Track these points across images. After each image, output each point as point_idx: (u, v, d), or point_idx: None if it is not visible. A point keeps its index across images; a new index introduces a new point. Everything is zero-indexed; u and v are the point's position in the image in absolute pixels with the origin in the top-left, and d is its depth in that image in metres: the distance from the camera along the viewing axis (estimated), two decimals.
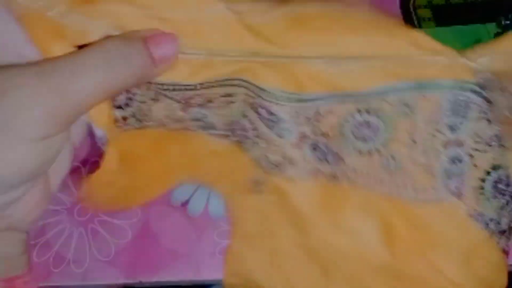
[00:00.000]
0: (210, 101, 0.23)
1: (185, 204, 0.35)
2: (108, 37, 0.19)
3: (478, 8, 0.42)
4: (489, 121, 0.23)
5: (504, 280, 0.24)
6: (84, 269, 0.33)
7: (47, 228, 0.35)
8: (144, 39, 0.19)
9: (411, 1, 0.43)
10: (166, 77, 0.21)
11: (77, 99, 0.17)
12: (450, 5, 0.42)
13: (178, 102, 0.23)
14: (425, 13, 0.42)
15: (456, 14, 0.41)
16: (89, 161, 0.37)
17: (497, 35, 0.39)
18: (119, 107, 0.22)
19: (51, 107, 0.17)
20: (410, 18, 0.42)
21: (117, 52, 0.18)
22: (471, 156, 0.23)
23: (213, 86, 0.22)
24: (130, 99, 0.22)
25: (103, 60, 0.18)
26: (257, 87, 0.22)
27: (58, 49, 0.19)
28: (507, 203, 0.24)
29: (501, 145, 0.23)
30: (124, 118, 0.23)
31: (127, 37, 0.19)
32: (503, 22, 0.39)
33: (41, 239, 0.34)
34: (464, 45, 0.38)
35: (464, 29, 0.40)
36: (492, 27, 0.40)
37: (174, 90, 0.22)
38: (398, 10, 0.43)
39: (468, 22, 0.40)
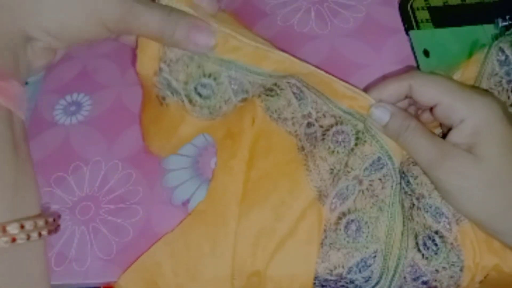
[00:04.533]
0: None
1: (186, 203, 0.35)
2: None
3: (475, 10, 0.42)
4: None
5: None
6: (85, 268, 0.33)
7: None
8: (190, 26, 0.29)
9: (409, 3, 0.43)
10: None
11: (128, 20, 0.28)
12: (448, 6, 0.43)
13: None
14: (423, 14, 0.42)
15: (453, 15, 0.42)
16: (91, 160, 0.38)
17: (495, 36, 0.40)
18: None
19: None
20: (408, 19, 0.42)
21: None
22: None
23: None
24: None
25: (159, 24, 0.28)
26: None
27: None
28: None
29: None
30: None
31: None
32: (500, 24, 0.40)
33: None
34: (462, 46, 0.39)
35: (462, 30, 0.40)
36: (489, 28, 0.40)
37: None
38: (396, 12, 0.43)
39: (465, 23, 0.41)
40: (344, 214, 0.32)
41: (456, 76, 0.37)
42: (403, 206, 0.32)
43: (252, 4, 0.45)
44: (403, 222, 0.31)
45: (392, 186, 0.32)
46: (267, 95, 0.35)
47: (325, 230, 0.32)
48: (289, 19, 0.44)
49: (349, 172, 0.33)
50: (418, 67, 0.39)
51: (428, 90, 0.31)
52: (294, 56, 0.32)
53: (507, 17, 0.40)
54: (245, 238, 0.32)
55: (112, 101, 0.41)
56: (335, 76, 0.33)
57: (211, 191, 0.34)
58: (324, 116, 0.34)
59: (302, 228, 0.32)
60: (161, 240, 0.33)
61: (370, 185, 0.32)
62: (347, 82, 0.33)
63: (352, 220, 0.32)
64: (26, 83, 0.55)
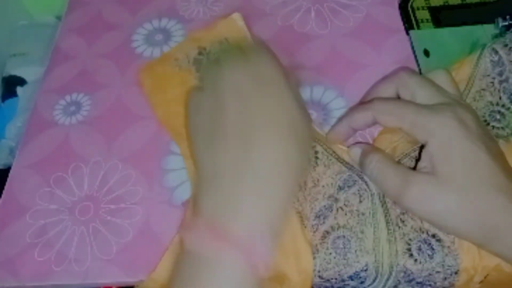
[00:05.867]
0: None
1: (185, 203, 0.35)
2: None
3: (475, 10, 0.42)
4: None
5: None
6: (85, 268, 0.33)
7: (48, 227, 0.35)
8: None
9: (409, 3, 0.43)
10: None
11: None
12: (448, 6, 0.43)
13: None
14: (423, 14, 0.42)
15: (453, 15, 0.42)
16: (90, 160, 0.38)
17: (495, 36, 0.40)
18: None
19: None
20: (408, 19, 0.42)
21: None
22: None
23: None
24: None
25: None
26: None
27: None
28: None
29: None
30: None
31: None
32: (500, 23, 0.40)
33: (42, 238, 0.35)
34: (462, 46, 0.39)
35: (462, 30, 0.40)
36: (489, 28, 0.40)
37: None
38: (396, 12, 0.43)
39: (465, 23, 0.41)
40: (328, 233, 0.32)
41: None
42: (386, 215, 0.32)
43: (252, 4, 0.45)
44: (388, 230, 0.32)
45: (369, 197, 0.33)
46: None
47: (313, 252, 0.32)
48: (289, 19, 0.44)
49: (323, 192, 0.33)
50: (418, 67, 0.39)
51: (387, 119, 0.32)
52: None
53: (507, 17, 0.40)
54: None
55: (112, 101, 0.41)
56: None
57: None
58: None
59: (292, 249, 0.32)
60: (149, 279, 0.32)
61: (347, 201, 0.33)
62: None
63: (338, 237, 0.32)
64: (26, 82, 0.56)
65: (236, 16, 0.42)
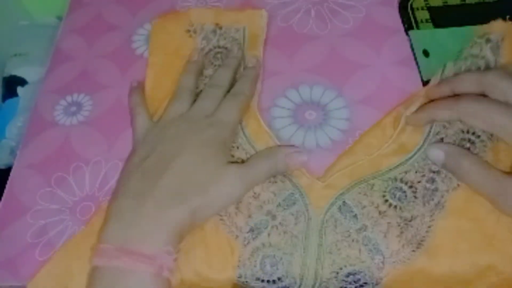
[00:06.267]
0: None
1: None
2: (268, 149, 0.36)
3: (475, 10, 0.42)
4: None
5: None
6: None
7: (49, 227, 0.35)
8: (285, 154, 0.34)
9: (409, 3, 0.43)
10: None
11: (252, 180, 0.33)
12: (448, 6, 0.43)
13: None
14: (423, 14, 0.42)
15: (453, 15, 0.42)
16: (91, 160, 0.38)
17: None
18: None
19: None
20: (408, 19, 0.42)
21: (272, 161, 0.34)
22: None
23: None
24: None
25: (268, 166, 0.34)
26: None
27: None
28: None
29: None
30: None
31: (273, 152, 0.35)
32: None
33: (43, 238, 0.35)
34: (461, 46, 0.39)
35: (462, 30, 0.40)
36: None
37: None
38: (396, 12, 0.43)
39: (465, 23, 0.41)
40: (258, 249, 0.32)
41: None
42: (320, 240, 0.32)
43: (252, 4, 0.45)
44: (317, 256, 0.31)
45: (305, 221, 0.32)
46: None
47: (238, 266, 0.32)
48: (289, 19, 0.44)
49: (261, 207, 0.33)
50: (418, 67, 0.39)
51: (475, 123, 0.32)
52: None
53: (507, 17, 0.40)
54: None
55: (112, 101, 0.41)
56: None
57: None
58: (237, 148, 0.36)
59: (216, 259, 0.32)
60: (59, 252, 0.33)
61: (284, 220, 0.33)
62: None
63: (267, 256, 0.32)
64: (26, 83, 0.56)
65: (264, 13, 0.43)
